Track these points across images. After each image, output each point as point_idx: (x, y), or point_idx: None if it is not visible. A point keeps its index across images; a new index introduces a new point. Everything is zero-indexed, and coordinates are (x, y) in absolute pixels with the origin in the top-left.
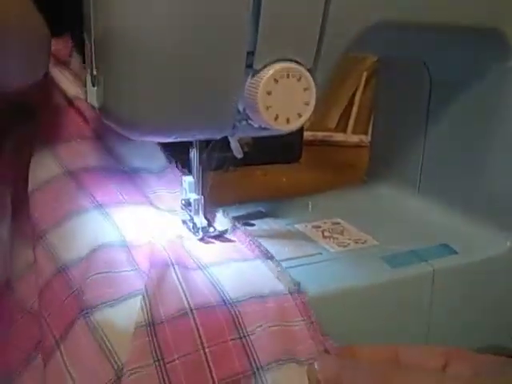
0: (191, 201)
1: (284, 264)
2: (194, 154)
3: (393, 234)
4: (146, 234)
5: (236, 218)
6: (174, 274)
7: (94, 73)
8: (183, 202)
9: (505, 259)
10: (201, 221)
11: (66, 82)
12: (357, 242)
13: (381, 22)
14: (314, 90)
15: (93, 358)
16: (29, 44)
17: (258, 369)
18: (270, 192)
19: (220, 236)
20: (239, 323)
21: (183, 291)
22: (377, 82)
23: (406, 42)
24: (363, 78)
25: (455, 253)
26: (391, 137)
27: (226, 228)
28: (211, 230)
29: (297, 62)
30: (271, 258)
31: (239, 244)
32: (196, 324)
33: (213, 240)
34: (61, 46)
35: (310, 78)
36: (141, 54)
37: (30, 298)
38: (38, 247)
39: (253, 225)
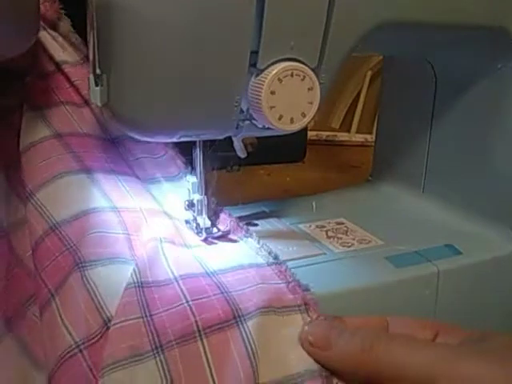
0: (194, 201)
1: (288, 264)
2: (197, 154)
3: (397, 234)
4: (134, 204)
5: (240, 218)
6: (160, 250)
7: (98, 72)
8: (187, 202)
9: (509, 260)
10: (204, 221)
11: (54, 46)
12: (361, 242)
13: (385, 21)
14: (318, 89)
15: (84, 308)
16: (18, 10)
17: (239, 317)
18: (273, 192)
19: (223, 236)
20: (222, 286)
21: (168, 265)
22: (381, 81)
23: (410, 42)
24: (367, 78)
25: (460, 253)
26: (396, 136)
27: (229, 228)
28: (214, 230)
29: (301, 61)
30: (251, 236)
31: (279, 281)
32: (181, 288)
33: (216, 241)
34: (48, 6)
35: (315, 78)
36: (145, 54)
37: (25, 252)
38: (28, 206)
39: (256, 225)
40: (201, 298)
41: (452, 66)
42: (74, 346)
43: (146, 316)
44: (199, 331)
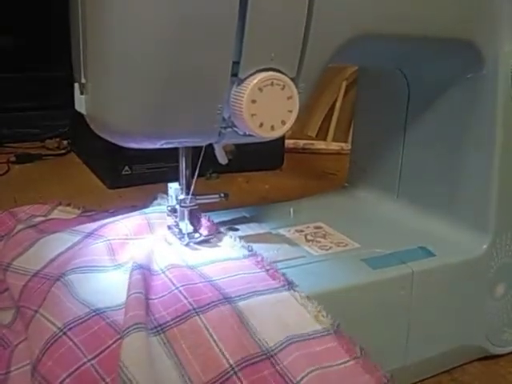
0: (177, 207)
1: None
2: (179, 161)
3: (373, 237)
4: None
5: (221, 224)
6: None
7: (83, 81)
8: (169, 208)
9: (481, 261)
10: (186, 226)
11: None
12: (338, 246)
13: (361, 34)
14: (297, 98)
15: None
16: None
17: (230, 298)
18: (252, 199)
19: (205, 241)
20: (204, 276)
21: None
22: (356, 91)
23: (384, 53)
24: (343, 88)
25: (433, 255)
26: (371, 144)
27: (211, 233)
28: (196, 235)
29: (280, 71)
30: (295, 286)
31: (258, 270)
32: (169, 278)
33: (198, 246)
34: None
35: (294, 87)
36: (128, 63)
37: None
38: (7, 273)
39: (237, 229)
40: (188, 284)
41: (424, 76)
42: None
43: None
44: (194, 309)
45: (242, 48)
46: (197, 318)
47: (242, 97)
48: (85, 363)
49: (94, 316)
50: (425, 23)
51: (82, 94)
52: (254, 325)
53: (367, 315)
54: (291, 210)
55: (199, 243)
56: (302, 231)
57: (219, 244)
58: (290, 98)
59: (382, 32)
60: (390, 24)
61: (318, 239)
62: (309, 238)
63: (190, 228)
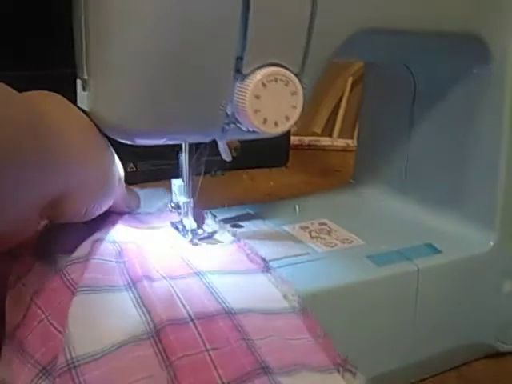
0: (180, 204)
1: (273, 264)
2: (183, 158)
3: (378, 234)
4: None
5: (225, 220)
6: (168, 286)
7: (85, 77)
8: (172, 204)
9: (488, 258)
10: (190, 223)
11: None
12: (343, 242)
13: (366, 28)
14: (301, 94)
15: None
16: None
17: (268, 369)
18: (257, 196)
19: (209, 238)
20: (243, 331)
21: (180, 301)
22: (362, 87)
23: (389, 48)
24: (349, 84)
25: (439, 252)
26: (376, 140)
27: (214, 230)
28: (200, 232)
29: (284, 66)
30: (271, 270)
31: (239, 254)
32: (198, 331)
33: (201, 242)
34: None
35: (298, 83)
36: (130, 59)
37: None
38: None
39: (241, 226)
40: (221, 347)
41: (430, 72)
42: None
43: (167, 366)
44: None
45: (246, 43)
46: (206, 354)
47: (246, 92)
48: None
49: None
50: (430, 17)
51: (84, 90)
52: (221, 292)
53: (372, 312)
54: (297, 207)
55: (203, 239)
56: (306, 228)
57: (222, 240)
58: (294, 93)
59: (386, 27)
60: (394, 19)
61: (323, 236)
62: (313, 234)
63: (194, 224)
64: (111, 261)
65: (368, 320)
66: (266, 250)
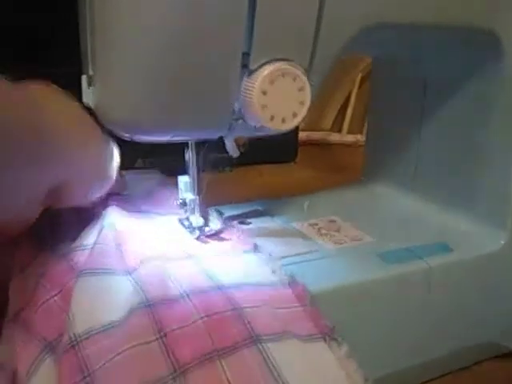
0: (187, 201)
1: (281, 261)
2: (189, 154)
3: (388, 231)
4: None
5: (233, 217)
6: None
7: (90, 73)
8: (179, 201)
9: (499, 256)
10: (197, 220)
11: None
12: (353, 240)
13: (374, 23)
14: (308, 89)
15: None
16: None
17: (257, 337)
18: (265, 192)
19: (216, 234)
20: (234, 302)
21: (172, 280)
22: (371, 82)
23: (400, 43)
24: (358, 79)
25: (450, 250)
26: (386, 136)
27: (221, 227)
28: (207, 229)
29: (292, 62)
30: (260, 251)
31: (232, 241)
32: (193, 304)
33: (208, 239)
34: None
35: (305, 78)
36: (136, 56)
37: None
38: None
39: (249, 223)
40: (213, 314)
41: (441, 67)
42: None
43: (161, 337)
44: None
45: (252, 38)
46: (199, 322)
47: (253, 88)
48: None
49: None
50: (441, 11)
51: (89, 86)
52: (213, 270)
53: (382, 311)
54: (305, 204)
55: (210, 236)
56: (315, 225)
57: (229, 238)
58: (301, 89)
59: (395, 21)
60: (404, 12)
61: (332, 233)
62: (322, 231)
63: (201, 221)
64: (112, 247)
65: (378, 319)
66: (275, 247)
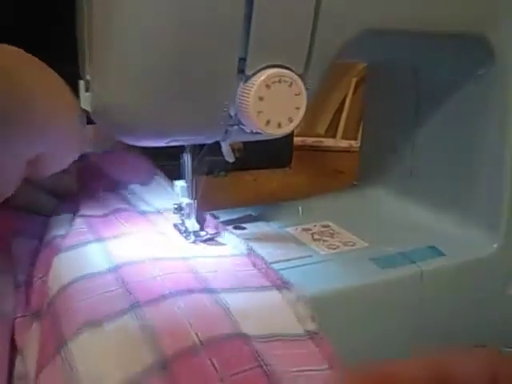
0: (183, 205)
1: (275, 266)
2: (186, 159)
3: (382, 236)
4: (141, 252)
5: (227, 222)
6: (175, 306)
7: (88, 78)
8: (175, 206)
9: (492, 261)
10: (193, 225)
11: None
12: (346, 245)
13: (369, 29)
14: (304, 95)
15: None
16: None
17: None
18: (260, 197)
19: (211, 239)
20: (259, 357)
21: (189, 323)
22: (366, 87)
23: (393, 49)
24: (352, 85)
25: (443, 254)
26: (380, 142)
27: (217, 232)
28: (203, 233)
29: (288, 68)
30: (289, 287)
31: (253, 268)
32: (211, 360)
33: (204, 244)
34: None
35: (301, 84)
36: (133, 60)
37: None
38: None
39: (244, 228)
40: (237, 373)
41: (435, 72)
42: None
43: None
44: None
45: (249, 44)
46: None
47: (249, 94)
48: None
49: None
50: (434, 18)
51: (87, 91)
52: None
53: (376, 315)
54: (300, 209)
55: (205, 241)
56: (309, 230)
57: (224, 242)
58: (297, 94)
59: (390, 28)
60: (398, 20)
61: (326, 238)
62: (316, 236)
63: (197, 226)
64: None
65: (371, 323)
66: (268, 252)
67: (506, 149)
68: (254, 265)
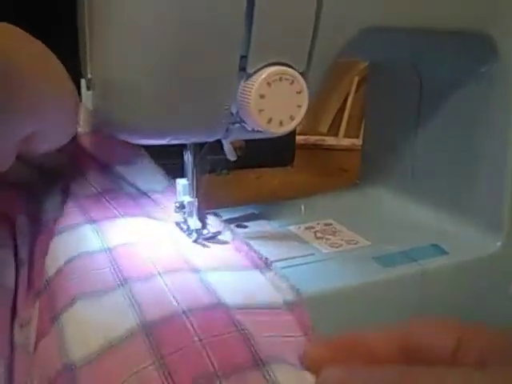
0: (185, 203)
1: (277, 265)
2: (187, 157)
3: (384, 234)
4: (133, 236)
5: (229, 220)
6: (161, 283)
7: (89, 76)
8: (177, 204)
9: (494, 259)
10: (194, 223)
11: None
12: (349, 243)
13: (371, 27)
14: (306, 93)
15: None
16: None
17: (261, 363)
18: (262, 195)
19: (213, 238)
20: (239, 325)
21: (173, 296)
22: (367, 85)
23: (395, 46)
24: (355, 83)
25: (445, 253)
26: (382, 140)
27: (219, 230)
28: (205, 231)
29: (289, 65)
30: (270, 266)
31: (237, 252)
32: (191, 323)
33: (206, 242)
34: None
35: (303, 82)
36: (134, 58)
37: None
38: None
39: (246, 226)
40: (215, 336)
41: (437, 70)
42: None
43: (158, 359)
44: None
45: (250, 42)
46: (198, 344)
47: (250, 91)
48: None
49: None
50: (437, 15)
51: (88, 89)
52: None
53: (378, 314)
54: (302, 207)
55: (207, 239)
56: (311, 228)
57: (226, 240)
58: (299, 92)
59: (392, 25)
60: (400, 17)
61: (328, 236)
62: (318, 235)
63: (199, 224)
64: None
65: (373, 321)
66: (271, 250)
67: (508, 147)
68: (238, 250)
